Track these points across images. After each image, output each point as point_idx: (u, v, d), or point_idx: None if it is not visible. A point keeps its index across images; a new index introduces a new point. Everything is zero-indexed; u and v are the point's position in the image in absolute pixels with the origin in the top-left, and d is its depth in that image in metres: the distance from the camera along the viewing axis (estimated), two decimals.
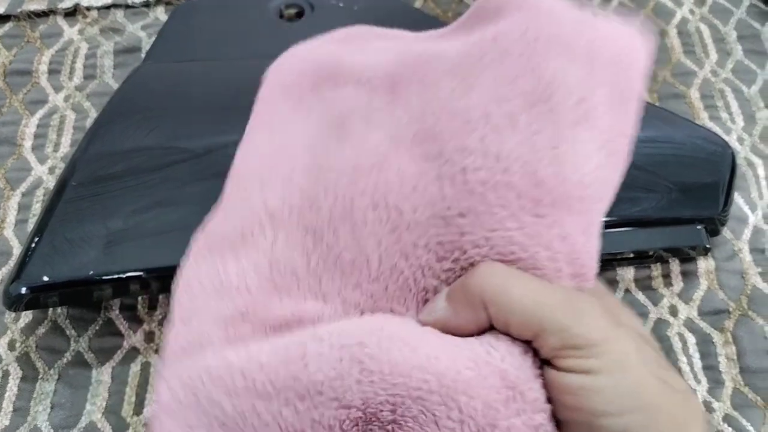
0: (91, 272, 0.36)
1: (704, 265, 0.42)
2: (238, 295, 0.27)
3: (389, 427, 0.23)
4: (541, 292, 0.24)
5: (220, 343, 0.26)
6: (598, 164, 0.26)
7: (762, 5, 0.53)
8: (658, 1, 0.53)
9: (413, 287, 0.26)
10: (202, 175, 0.38)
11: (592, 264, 0.26)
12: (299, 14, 0.50)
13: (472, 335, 0.25)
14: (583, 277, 0.26)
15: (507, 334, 0.24)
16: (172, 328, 0.27)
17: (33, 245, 0.36)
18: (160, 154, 0.38)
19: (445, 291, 0.26)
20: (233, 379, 0.24)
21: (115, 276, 0.36)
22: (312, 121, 0.31)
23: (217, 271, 0.28)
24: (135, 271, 0.36)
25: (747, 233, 0.43)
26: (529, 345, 0.24)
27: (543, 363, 0.24)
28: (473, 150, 0.25)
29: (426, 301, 0.26)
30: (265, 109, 0.34)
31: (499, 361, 0.24)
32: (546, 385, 0.24)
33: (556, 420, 0.24)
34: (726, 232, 0.43)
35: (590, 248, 0.26)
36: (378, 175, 0.27)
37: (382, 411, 0.23)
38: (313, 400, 0.23)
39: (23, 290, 0.35)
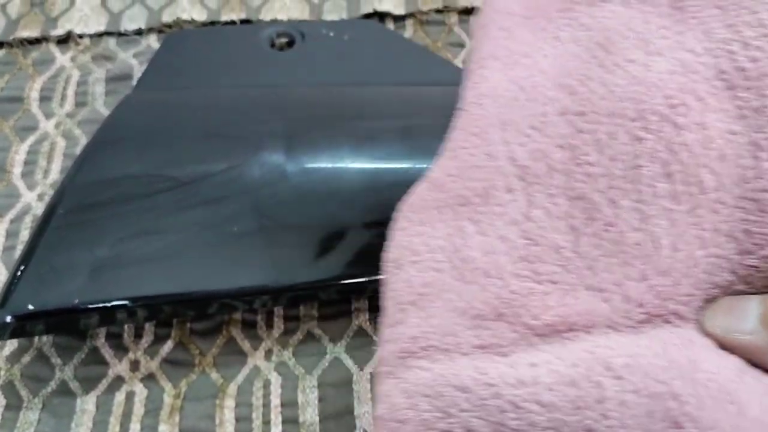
0: (77, 301, 0.36)
1: None
2: (488, 283, 0.21)
3: None
4: None
5: (470, 349, 0.20)
6: None
7: None
8: None
9: (704, 285, 0.20)
10: (188, 203, 0.38)
11: None
12: (290, 43, 0.51)
13: None
14: None
15: None
16: (392, 311, 0.22)
17: (19, 273, 0.36)
18: (147, 182, 0.38)
19: (758, 304, 0.19)
20: (501, 410, 0.18)
21: (101, 305, 0.36)
22: (566, 48, 0.23)
23: (454, 244, 0.22)
24: (121, 299, 0.36)
25: None
26: None
27: None
28: None
29: (707, 301, 0.20)
30: (494, 37, 0.26)
31: None
32: None
33: None
34: None
35: None
36: (672, 130, 0.20)
37: None
38: None
39: (8, 319, 0.35)
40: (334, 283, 0.38)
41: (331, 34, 0.50)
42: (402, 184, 0.39)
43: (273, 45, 0.51)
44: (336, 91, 0.45)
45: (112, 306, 0.36)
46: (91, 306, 0.36)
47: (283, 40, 0.51)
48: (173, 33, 0.51)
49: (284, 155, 0.40)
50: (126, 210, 0.38)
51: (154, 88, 0.46)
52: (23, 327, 0.36)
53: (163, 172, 0.39)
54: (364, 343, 0.40)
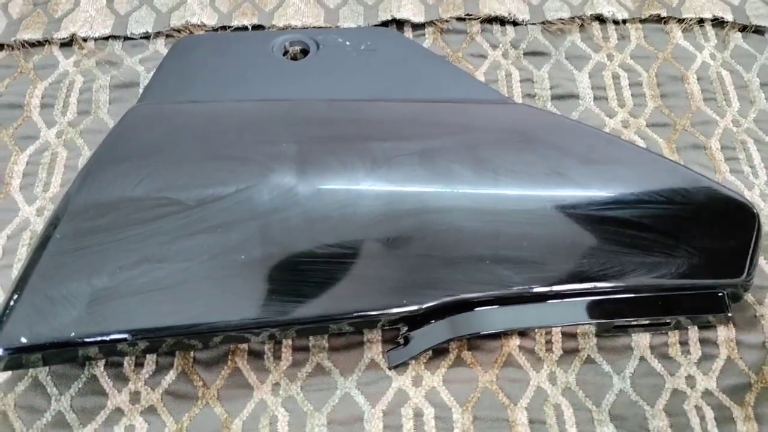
0: (73, 334, 0.34)
1: (724, 332, 0.39)
2: None
3: None
4: None
5: None
6: None
7: None
8: (678, 44, 0.51)
9: None
10: (193, 230, 0.36)
11: None
12: (304, 52, 0.48)
13: None
14: None
15: None
16: None
17: (12, 302, 0.34)
18: (150, 205, 0.36)
19: None
20: None
21: (99, 338, 0.34)
22: None
23: None
24: (120, 333, 0.34)
25: None
26: None
27: None
28: None
29: None
30: None
31: None
32: None
33: None
34: (747, 296, 0.40)
35: None
36: None
37: None
38: None
39: (0, 352, 0.33)
40: (347, 317, 0.36)
41: (348, 43, 0.48)
42: (420, 212, 0.38)
43: (286, 53, 0.48)
44: (351, 108, 0.43)
45: (111, 340, 0.34)
46: (88, 340, 0.34)
47: (297, 48, 0.49)
48: (181, 40, 0.49)
49: (296, 178, 0.38)
50: (127, 236, 0.36)
51: (161, 99, 0.43)
52: (17, 360, 0.34)
53: (167, 195, 0.37)
54: (376, 378, 0.38)
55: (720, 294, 0.38)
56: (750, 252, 0.38)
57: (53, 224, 0.36)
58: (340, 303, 0.36)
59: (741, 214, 0.39)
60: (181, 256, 0.35)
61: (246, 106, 0.43)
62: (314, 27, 0.51)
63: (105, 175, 0.38)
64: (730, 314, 0.38)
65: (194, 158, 0.39)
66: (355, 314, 0.36)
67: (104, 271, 0.35)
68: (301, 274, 0.36)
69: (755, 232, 0.38)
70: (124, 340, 0.34)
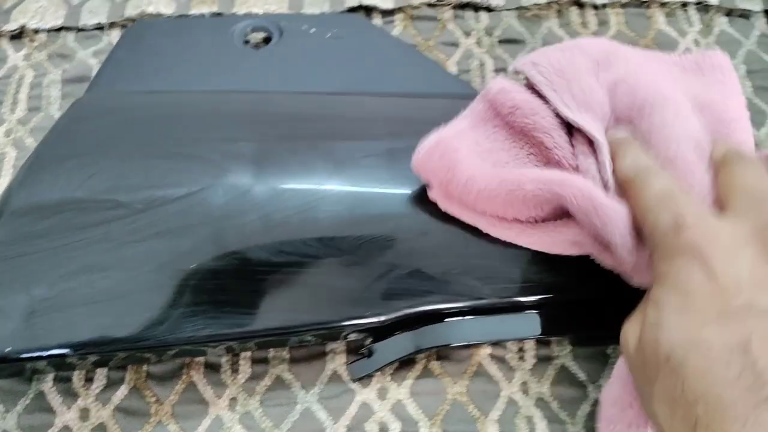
0: (9, 349, 0.31)
1: None
2: None
3: None
4: None
5: None
6: None
7: None
8: (660, 29, 0.49)
9: None
10: (141, 236, 0.33)
11: None
12: (266, 40, 0.46)
13: None
14: None
15: None
16: None
17: None
18: (94, 208, 0.34)
19: None
20: None
21: (37, 354, 0.32)
22: None
23: None
24: (61, 348, 0.32)
25: None
26: None
27: None
28: None
29: None
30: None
31: None
32: None
33: None
34: None
35: None
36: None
37: None
38: None
39: None
40: (308, 329, 0.34)
41: (312, 30, 0.45)
42: (386, 217, 0.35)
43: (247, 41, 0.46)
44: (314, 103, 0.40)
45: (51, 355, 0.32)
46: (25, 356, 0.32)
47: (259, 35, 0.46)
48: (135, 25, 0.46)
49: (253, 180, 0.35)
50: (69, 242, 0.34)
51: (110, 89, 0.41)
52: None
53: (112, 197, 0.34)
54: (339, 391, 0.36)
55: None
56: None
57: None
58: (300, 314, 0.34)
59: None
60: (128, 264, 0.33)
61: (202, 98, 0.40)
62: (278, 14, 0.48)
63: (46, 174, 0.35)
64: None
65: (144, 156, 0.36)
66: (316, 326, 0.34)
67: (44, 280, 0.32)
68: (258, 283, 0.33)
69: None
70: (65, 355, 0.31)
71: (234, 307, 0.33)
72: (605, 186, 0.32)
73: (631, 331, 0.28)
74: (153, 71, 0.43)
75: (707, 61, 0.36)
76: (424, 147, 0.34)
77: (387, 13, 0.49)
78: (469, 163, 0.33)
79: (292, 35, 0.45)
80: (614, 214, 0.29)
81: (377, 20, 0.49)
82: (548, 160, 0.34)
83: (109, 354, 0.33)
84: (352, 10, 0.49)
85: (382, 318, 0.34)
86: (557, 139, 0.33)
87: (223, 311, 0.33)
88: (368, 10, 0.49)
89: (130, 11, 0.48)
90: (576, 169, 0.33)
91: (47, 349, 0.32)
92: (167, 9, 0.48)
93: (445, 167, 0.33)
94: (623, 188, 0.31)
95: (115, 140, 0.38)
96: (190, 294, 0.33)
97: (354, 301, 0.34)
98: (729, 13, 0.49)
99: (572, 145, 0.34)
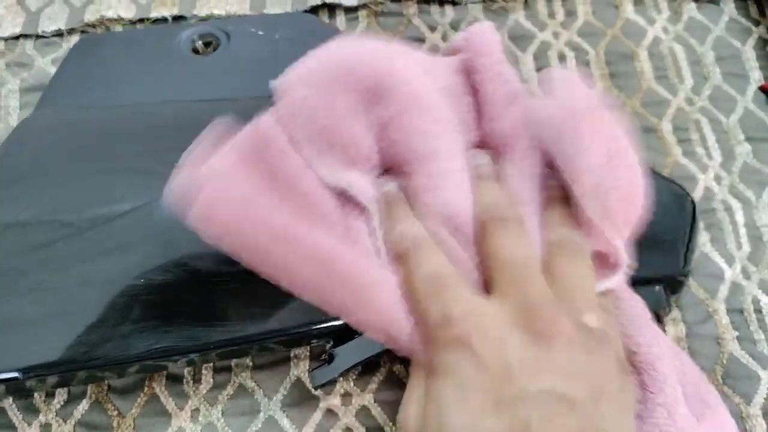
0: None
1: (674, 330, 0.37)
2: None
3: None
4: None
5: None
6: None
7: (743, 20, 0.48)
8: (628, 18, 0.48)
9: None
10: (87, 254, 0.33)
11: None
12: (213, 45, 0.45)
13: None
14: None
15: None
16: None
17: None
18: (39, 230, 0.33)
19: None
20: None
21: None
22: None
23: None
24: (9, 371, 0.31)
25: (723, 291, 0.38)
26: None
27: None
28: None
29: None
30: None
31: None
32: None
33: None
34: (699, 290, 0.38)
35: None
36: None
37: None
38: None
39: None
40: (267, 336, 0.34)
41: (260, 32, 0.44)
42: None
43: (196, 50, 0.45)
44: (257, 107, 0.39)
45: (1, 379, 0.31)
46: None
47: (204, 42, 0.45)
48: (81, 39, 0.45)
49: None
50: (14, 266, 0.33)
51: (59, 105, 0.40)
52: None
53: (57, 218, 0.34)
54: (301, 398, 0.36)
55: (657, 288, 0.35)
56: (685, 241, 0.35)
57: None
58: (257, 322, 0.33)
59: (674, 201, 0.36)
60: (76, 283, 0.32)
61: (144, 110, 0.39)
62: (238, 15, 0.47)
63: None
64: (667, 307, 0.36)
65: (87, 173, 0.36)
66: (275, 333, 0.33)
67: None
68: (211, 293, 0.33)
69: (691, 220, 0.36)
70: (15, 379, 0.31)
71: (188, 319, 0.32)
72: (377, 253, 0.30)
73: (412, 412, 0.27)
74: (101, 85, 0.42)
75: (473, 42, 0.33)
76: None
77: (351, 10, 0.48)
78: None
79: (240, 38, 0.44)
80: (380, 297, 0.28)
81: (341, 18, 0.48)
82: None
83: (63, 375, 0.32)
84: (315, 9, 0.48)
85: (341, 320, 0.33)
86: (321, 199, 0.30)
87: (177, 324, 0.32)
88: (331, 8, 0.48)
89: (90, 16, 0.47)
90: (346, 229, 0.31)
91: None
92: (127, 13, 0.48)
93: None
94: (394, 261, 0.30)
95: (58, 159, 0.37)
96: (142, 309, 0.33)
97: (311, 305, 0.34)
98: None
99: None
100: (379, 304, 0.29)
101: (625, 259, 0.30)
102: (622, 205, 0.30)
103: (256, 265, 0.30)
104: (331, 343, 0.35)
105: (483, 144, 0.33)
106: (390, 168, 0.32)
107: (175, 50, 0.44)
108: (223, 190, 0.29)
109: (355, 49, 0.32)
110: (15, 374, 0.31)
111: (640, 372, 0.29)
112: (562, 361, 0.26)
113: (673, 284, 0.36)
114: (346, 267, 0.29)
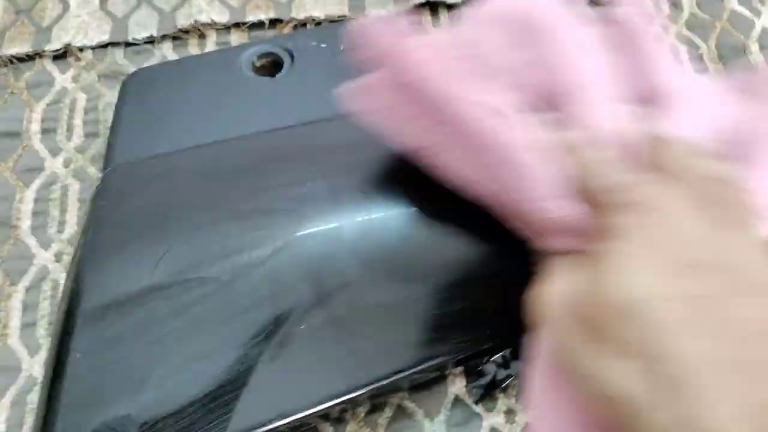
0: None
1: None
2: None
3: None
4: None
5: None
6: None
7: None
8: (734, 9, 0.47)
9: None
10: (239, 308, 0.30)
11: None
12: (278, 64, 0.42)
13: None
14: None
15: None
16: None
17: None
18: (179, 290, 0.31)
19: None
20: None
21: None
22: None
23: None
24: None
25: None
26: None
27: None
28: None
29: None
30: None
31: None
32: None
33: None
34: None
35: None
36: None
37: None
38: None
39: None
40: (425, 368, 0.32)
41: (323, 45, 0.42)
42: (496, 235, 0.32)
43: (258, 69, 0.42)
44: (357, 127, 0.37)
45: None
46: None
47: (268, 62, 0.42)
48: (131, 75, 0.42)
49: (336, 219, 0.33)
50: (161, 335, 0.30)
51: (132, 157, 0.37)
52: None
53: (196, 274, 0.31)
54: (465, 417, 0.34)
55: None
56: None
57: (63, 340, 0.30)
58: (420, 350, 0.31)
59: None
60: (232, 344, 0.30)
61: (242, 145, 0.36)
62: (339, 17, 0.45)
63: (109, 264, 0.32)
64: None
65: (207, 223, 0.33)
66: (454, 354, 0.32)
67: (147, 383, 0.29)
68: (377, 327, 0.31)
69: None
70: None
71: (359, 358, 0.31)
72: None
73: (555, 291, 0.25)
74: (170, 125, 0.39)
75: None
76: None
77: (452, 7, 0.47)
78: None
79: (304, 54, 0.42)
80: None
81: (443, 16, 0.46)
82: None
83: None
84: (420, 6, 0.46)
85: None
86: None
87: (355, 364, 0.30)
88: (433, 7, 0.47)
89: (182, 21, 0.45)
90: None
91: None
92: (221, 17, 0.45)
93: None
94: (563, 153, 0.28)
95: (170, 211, 0.34)
96: (305, 358, 0.30)
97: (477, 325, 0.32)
98: None
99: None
100: (531, 182, 0.27)
101: None
102: None
103: (415, 140, 0.30)
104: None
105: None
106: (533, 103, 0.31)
107: (236, 74, 0.41)
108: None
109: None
110: None
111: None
112: (735, 239, 0.24)
113: None
114: (503, 143, 0.27)
